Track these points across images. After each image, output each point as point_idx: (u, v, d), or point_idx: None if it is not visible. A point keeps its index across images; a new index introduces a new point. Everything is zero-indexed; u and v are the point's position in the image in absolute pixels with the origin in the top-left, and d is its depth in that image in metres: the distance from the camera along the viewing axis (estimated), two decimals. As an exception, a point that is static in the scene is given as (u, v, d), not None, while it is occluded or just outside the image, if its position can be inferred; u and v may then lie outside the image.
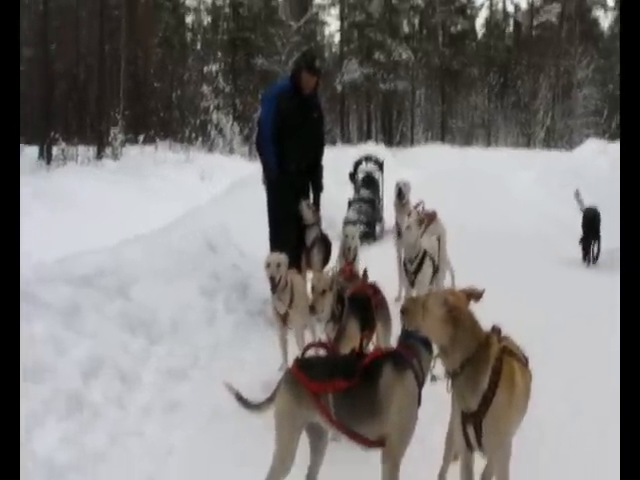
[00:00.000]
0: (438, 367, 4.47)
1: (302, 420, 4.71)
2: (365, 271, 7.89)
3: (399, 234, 11.02)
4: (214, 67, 45.75)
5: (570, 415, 6.94)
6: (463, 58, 73.84)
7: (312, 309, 6.51)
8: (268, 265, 7.71)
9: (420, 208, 11.57)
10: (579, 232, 14.21)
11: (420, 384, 4.65)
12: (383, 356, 4.77)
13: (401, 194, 12.18)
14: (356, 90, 70.75)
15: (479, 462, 4.72)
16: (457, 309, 4.17)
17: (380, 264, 10.54)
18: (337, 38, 74.96)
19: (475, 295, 4.35)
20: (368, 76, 66.82)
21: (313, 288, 6.49)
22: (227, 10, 65.04)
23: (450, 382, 4.30)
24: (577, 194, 15.22)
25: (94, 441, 5.98)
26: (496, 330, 4.44)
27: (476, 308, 4.32)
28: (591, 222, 14.24)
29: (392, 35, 68.69)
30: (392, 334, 6.96)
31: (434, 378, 4.70)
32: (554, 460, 6.03)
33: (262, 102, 10.48)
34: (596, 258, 14.12)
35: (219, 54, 52.26)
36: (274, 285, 7.72)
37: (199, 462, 6.06)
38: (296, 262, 9.30)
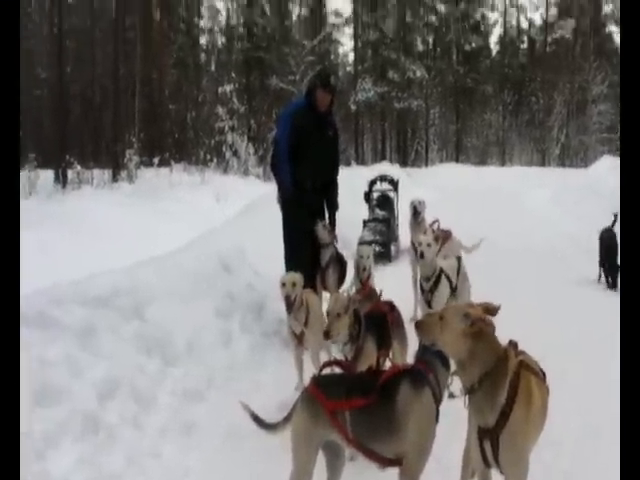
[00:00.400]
0: (455, 384, 4.45)
1: (319, 439, 4.69)
2: (380, 291, 7.85)
3: (415, 253, 11.01)
4: (228, 88, 45.81)
5: (586, 434, 6.90)
6: (477, 75, 74.06)
7: (326, 334, 6.44)
8: (283, 284, 7.70)
9: (435, 226, 11.56)
10: (593, 250, 14.10)
11: (438, 401, 4.62)
12: (400, 373, 4.74)
13: (416, 212, 12.18)
14: (370, 109, 70.98)
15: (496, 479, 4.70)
16: (480, 321, 4.14)
17: (395, 284, 10.54)
18: (351, 57, 75.51)
19: (491, 310, 4.31)
20: (382, 95, 67.10)
21: (329, 312, 6.46)
22: (241, 30, 65.41)
23: (467, 398, 4.27)
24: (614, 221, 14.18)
25: (110, 462, 5.96)
26: (513, 344, 4.39)
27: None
28: (607, 244, 13.71)
29: (406, 53, 69.03)
30: (408, 352, 6.95)
31: (451, 395, 4.66)
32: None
33: (278, 120, 10.51)
34: (614, 284, 13.36)
35: (233, 74, 52.35)
36: (289, 304, 7.70)
37: (216, 483, 6.06)
38: (311, 282, 9.30)
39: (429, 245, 8.88)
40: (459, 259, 9.83)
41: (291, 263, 9.45)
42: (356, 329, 6.61)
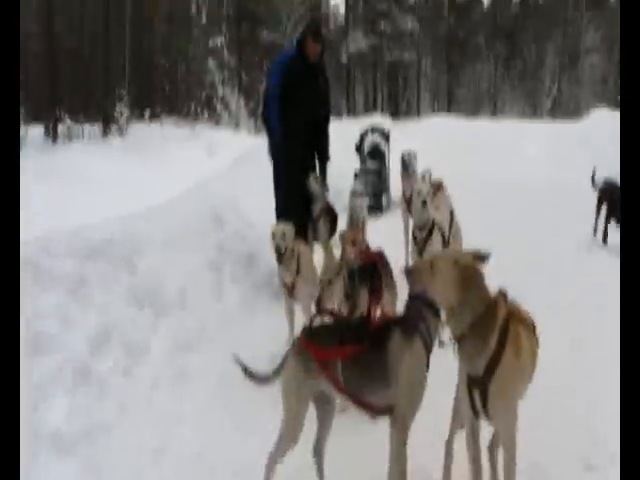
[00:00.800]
0: (446, 332, 4.45)
1: (310, 389, 4.71)
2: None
3: (407, 205, 10.99)
4: (219, 40, 45.60)
5: (577, 382, 6.95)
6: (469, 27, 73.55)
7: (318, 304, 6.44)
8: (274, 235, 7.70)
9: (427, 176, 11.54)
10: (587, 200, 13.93)
11: (428, 349, 4.62)
12: (391, 322, 4.76)
13: (406, 164, 12.13)
14: (362, 61, 70.58)
15: (487, 432, 4.73)
16: (470, 268, 4.14)
17: (387, 235, 10.54)
18: (342, 9, 74.64)
19: (482, 258, 4.31)
20: (374, 46, 66.67)
21: (320, 280, 6.46)
22: (232, -18, 64.74)
23: (457, 346, 4.27)
24: (594, 174, 14.00)
25: (102, 412, 6.01)
26: (502, 294, 4.38)
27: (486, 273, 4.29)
28: (611, 198, 12.81)
29: (397, 5, 68.38)
30: (398, 301, 6.97)
31: (442, 344, 4.67)
32: (561, 427, 6.06)
33: (269, 71, 10.45)
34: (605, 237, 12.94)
35: (224, 27, 51.98)
36: (280, 255, 7.71)
37: (208, 431, 6.11)
38: (303, 233, 9.29)
39: (428, 193, 8.87)
40: (452, 212, 9.82)
41: (282, 214, 9.44)
42: (351, 286, 6.62)
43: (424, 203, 8.75)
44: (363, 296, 6.73)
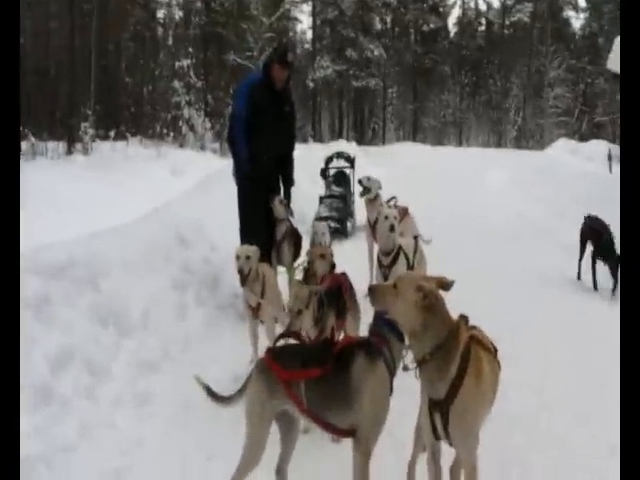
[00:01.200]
0: (409, 356, 4.47)
1: (273, 409, 4.71)
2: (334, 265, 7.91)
3: (372, 230, 11.03)
4: (186, 62, 45.58)
5: (541, 408, 7.01)
6: (435, 56, 74.32)
7: (288, 329, 6.38)
8: (238, 257, 7.73)
9: (393, 203, 11.61)
10: (551, 231, 13.82)
11: (392, 373, 4.64)
12: (355, 345, 4.77)
13: (365, 188, 12.17)
14: (328, 87, 70.99)
15: (450, 455, 4.75)
16: (431, 294, 4.16)
17: (352, 260, 10.55)
18: (309, 35, 75.10)
19: (445, 285, 4.34)
20: (340, 73, 67.06)
21: (290, 309, 6.44)
22: (199, 5, 64.72)
23: (419, 369, 4.30)
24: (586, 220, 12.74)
25: (63, 433, 5.95)
26: (464, 318, 4.42)
27: (447, 301, 4.32)
28: (600, 237, 11.73)
29: (364, 32, 68.91)
30: (361, 325, 6.99)
31: (406, 367, 4.69)
32: (526, 455, 6.10)
33: (235, 95, 10.50)
34: (614, 289, 11.34)
35: (190, 49, 51.93)
36: (243, 277, 7.72)
37: (169, 454, 6.06)
38: (267, 257, 9.30)
39: (395, 218, 8.95)
40: (416, 238, 9.87)
41: (246, 237, 9.45)
42: (320, 312, 6.63)
43: (392, 228, 8.82)
44: (330, 320, 6.75)
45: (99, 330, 7.51)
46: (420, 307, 4.15)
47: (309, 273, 8.07)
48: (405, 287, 4.22)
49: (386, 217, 8.94)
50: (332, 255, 8.11)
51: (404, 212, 11.23)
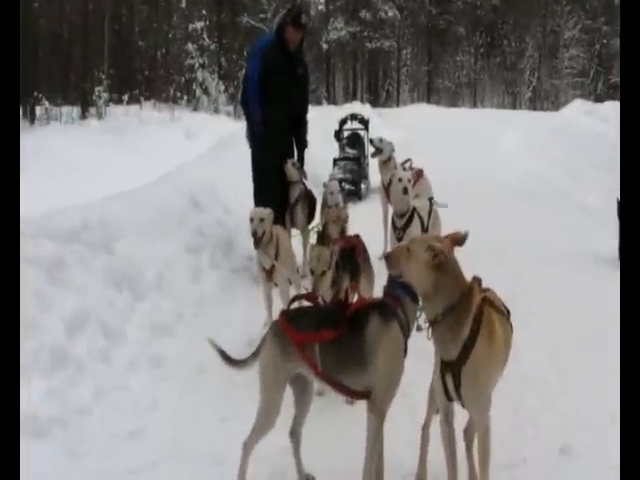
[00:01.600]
0: (423, 317, 4.46)
1: (287, 372, 4.71)
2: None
3: (386, 192, 10.97)
4: (199, 25, 45.32)
5: (553, 370, 7.00)
6: (449, 17, 73.59)
7: (313, 291, 6.41)
8: (251, 220, 7.70)
9: (408, 165, 11.57)
10: (566, 192, 13.58)
11: (406, 334, 4.63)
12: (368, 306, 4.76)
13: (377, 149, 12.11)
14: (342, 49, 70.46)
15: (464, 417, 4.75)
16: (442, 254, 4.15)
17: (366, 222, 10.52)
18: (323, -5, 74.47)
19: (458, 239, 4.33)
20: (354, 34, 66.58)
21: (312, 270, 6.44)
22: (212, -34, 64.30)
23: (431, 330, 4.30)
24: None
25: (79, 396, 5.98)
26: (477, 280, 4.41)
27: (461, 262, 4.31)
28: None
29: (378, -7, 68.30)
30: (375, 287, 6.98)
31: (419, 328, 4.67)
32: (537, 414, 6.10)
33: (248, 57, 10.45)
34: None
35: (204, 12, 51.59)
36: (257, 240, 7.70)
37: (184, 416, 6.09)
38: (281, 219, 9.30)
39: (410, 181, 8.92)
40: (431, 200, 9.82)
41: (260, 199, 9.43)
42: (337, 274, 6.64)
43: (405, 190, 8.78)
44: (344, 282, 6.75)
45: (113, 293, 7.54)
46: (431, 267, 4.14)
47: (324, 235, 8.06)
48: (417, 248, 4.20)
49: (400, 180, 8.91)
50: (347, 217, 8.11)
51: (419, 174, 11.17)
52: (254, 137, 9.81)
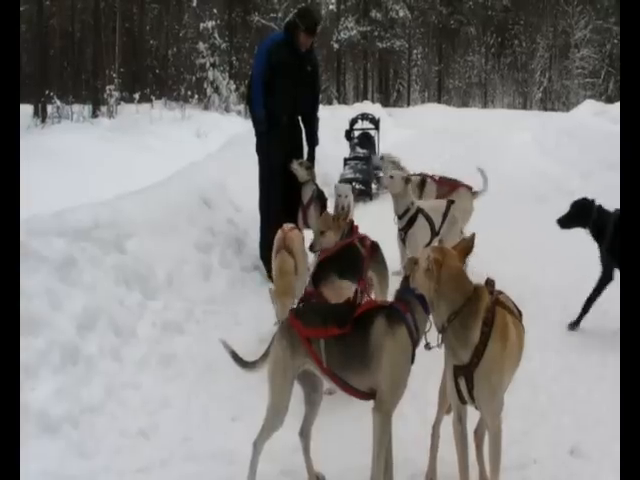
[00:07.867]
0: (432, 334, 4.49)
1: (295, 369, 4.73)
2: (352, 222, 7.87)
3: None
4: (210, 24, 45.39)
5: (563, 369, 7.00)
6: (460, 17, 73.62)
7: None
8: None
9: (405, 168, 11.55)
10: (576, 192, 13.56)
11: (414, 341, 4.62)
12: (377, 308, 4.77)
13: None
14: (352, 49, 70.51)
15: (474, 417, 4.75)
16: (436, 263, 4.20)
17: (377, 222, 10.51)
18: (334, -5, 74.51)
19: (467, 248, 4.39)
20: (365, 34, 66.64)
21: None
22: (224, -35, 64.41)
23: (441, 337, 4.37)
24: None
25: (89, 394, 6.00)
26: (489, 283, 4.45)
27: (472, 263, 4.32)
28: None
29: (389, -8, 68.36)
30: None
31: (427, 346, 4.64)
32: (547, 415, 6.09)
33: (255, 55, 10.42)
34: None
35: (215, 11, 51.70)
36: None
37: (194, 415, 6.11)
38: (293, 219, 9.29)
39: (391, 177, 8.89)
40: (449, 203, 9.55)
41: (263, 199, 9.47)
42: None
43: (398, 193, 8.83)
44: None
45: (124, 291, 7.57)
46: (430, 275, 4.23)
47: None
48: (421, 258, 4.32)
49: (391, 177, 8.92)
50: (344, 224, 7.94)
51: (455, 184, 10.96)
52: (259, 135, 9.78)
